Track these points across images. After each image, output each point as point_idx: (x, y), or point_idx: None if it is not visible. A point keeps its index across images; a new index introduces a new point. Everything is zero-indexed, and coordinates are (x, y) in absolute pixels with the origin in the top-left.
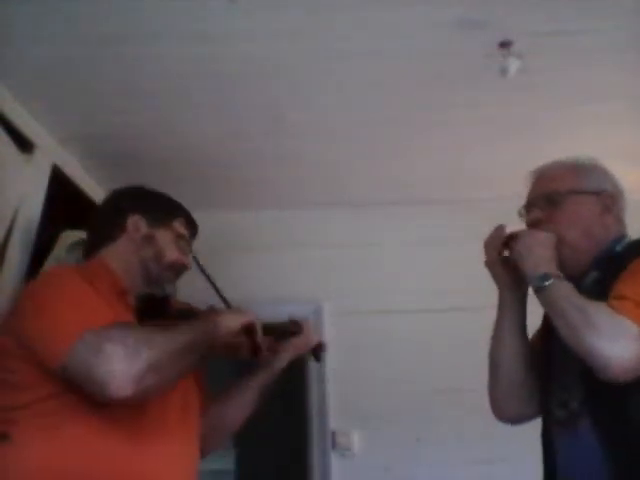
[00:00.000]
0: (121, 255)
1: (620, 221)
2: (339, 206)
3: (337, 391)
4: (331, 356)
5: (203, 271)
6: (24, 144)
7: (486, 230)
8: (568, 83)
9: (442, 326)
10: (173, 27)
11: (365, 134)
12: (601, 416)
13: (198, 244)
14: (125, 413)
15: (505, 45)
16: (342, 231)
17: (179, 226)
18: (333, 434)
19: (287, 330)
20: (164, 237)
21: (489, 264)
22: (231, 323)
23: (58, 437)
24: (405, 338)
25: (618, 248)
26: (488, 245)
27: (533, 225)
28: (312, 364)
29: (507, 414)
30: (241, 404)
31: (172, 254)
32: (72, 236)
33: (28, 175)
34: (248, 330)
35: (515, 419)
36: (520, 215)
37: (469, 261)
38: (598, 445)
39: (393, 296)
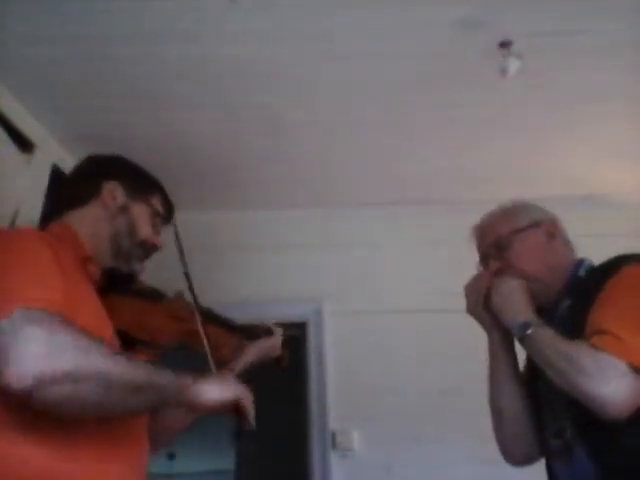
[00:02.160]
0: (91, 221)
1: (567, 243)
2: (339, 206)
3: (337, 391)
4: (331, 356)
5: (184, 264)
6: (24, 144)
7: None
8: (568, 83)
9: (442, 326)
10: (173, 27)
11: (365, 134)
12: (594, 444)
13: (198, 244)
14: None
15: (505, 45)
16: (342, 231)
17: (157, 204)
18: (333, 434)
19: (256, 332)
20: (140, 211)
21: (471, 311)
22: (211, 396)
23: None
24: (405, 338)
25: (581, 272)
26: (470, 293)
27: (495, 275)
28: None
29: (518, 457)
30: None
31: (145, 230)
32: None
33: (28, 175)
34: (233, 406)
35: (526, 460)
36: (478, 272)
37: (469, 261)
38: (593, 471)
39: (393, 296)
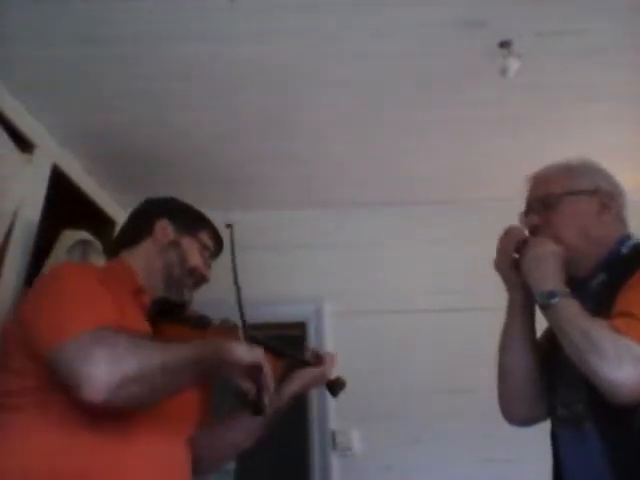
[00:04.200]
0: (144, 257)
1: (621, 219)
2: (339, 206)
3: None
4: None
5: (237, 286)
6: (24, 144)
7: (486, 230)
8: (568, 83)
9: (442, 326)
10: (173, 27)
11: (365, 134)
12: (605, 421)
13: None
14: (112, 413)
15: (505, 45)
16: (342, 231)
17: (205, 238)
18: (333, 434)
19: (303, 359)
20: (189, 244)
21: (499, 267)
22: (243, 355)
23: (43, 430)
24: (405, 338)
25: (624, 250)
26: (501, 248)
27: (531, 230)
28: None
29: (518, 417)
30: (244, 428)
31: (195, 260)
32: (72, 236)
33: (28, 175)
34: (254, 375)
35: (527, 421)
36: (520, 221)
37: (469, 261)
38: (602, 448)
39: (394, 296)
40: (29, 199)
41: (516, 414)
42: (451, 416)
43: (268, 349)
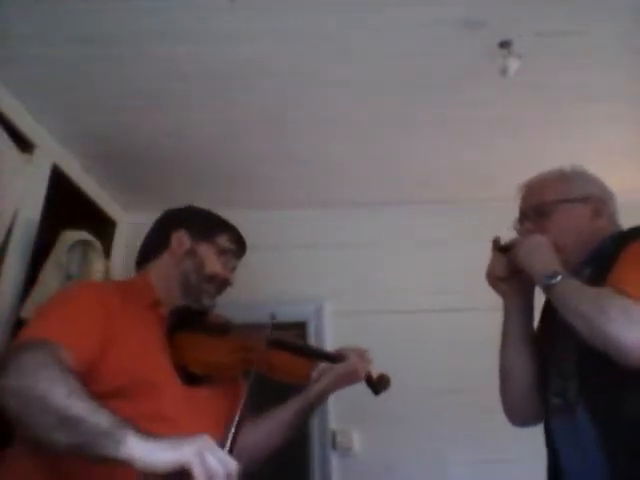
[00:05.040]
0: (163, 269)
1: (613, 223)
2: (339, 206)
3: (337, 391)
4: None
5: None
6: (24, 144)
7: (486, 230)
8: (568, 83)
9: (442, 326)
10: (173, 27)
11: (365, 134)
12: (596, 406)
13: None
14: None
15: (505, 45)
16: (342, 231)
17: (223, 241)
18: (333, 434)
19: (328, 356)
20: (206, 250)
21: (489, 277)
22: (149, 457)
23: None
24: (405, 338)
25: (609, 244)
26: (490, 262)
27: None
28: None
29: (521, 419)
30: (271, 430)
31: (214, 267)
32: (72, 236)
33: (28, 175)
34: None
35: (529, 422)
36: (515, 229)
37: (469, 261)
38: (594, 433)
39: (393, 296)
40: (29, 199)
41: (519, 415)
42: (451, 416)
43: (297, 351)
